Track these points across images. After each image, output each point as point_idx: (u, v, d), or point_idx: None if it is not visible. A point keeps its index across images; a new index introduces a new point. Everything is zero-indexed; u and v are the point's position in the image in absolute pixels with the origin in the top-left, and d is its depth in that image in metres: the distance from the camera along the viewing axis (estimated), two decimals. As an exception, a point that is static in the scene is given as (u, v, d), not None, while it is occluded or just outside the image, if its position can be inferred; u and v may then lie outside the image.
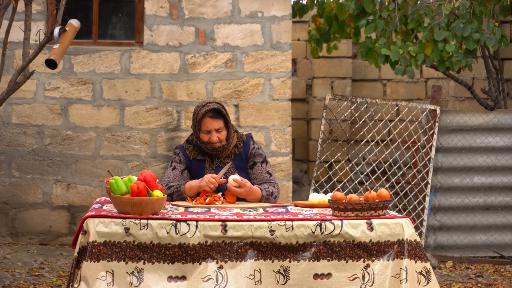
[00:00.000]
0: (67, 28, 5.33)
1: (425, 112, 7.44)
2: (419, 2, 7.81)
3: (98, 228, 3.69)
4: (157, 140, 7.49)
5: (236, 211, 4.06)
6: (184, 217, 3.80)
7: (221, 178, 4.46)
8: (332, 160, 7.69)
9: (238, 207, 4.21)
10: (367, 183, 7.24)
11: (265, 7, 7.53)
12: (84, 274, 3.63)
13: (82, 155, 7.44)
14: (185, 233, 3.72)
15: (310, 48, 9.26)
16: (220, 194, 4.43)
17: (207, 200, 4.34)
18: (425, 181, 7.33)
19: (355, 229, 3.82)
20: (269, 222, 3.79)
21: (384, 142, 8.29)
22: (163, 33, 7.48)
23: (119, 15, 7.69)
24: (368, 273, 3.80)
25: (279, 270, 3.76)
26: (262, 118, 7.54)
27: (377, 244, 3.82)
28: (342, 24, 8.62)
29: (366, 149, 7.57)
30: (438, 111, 7.32)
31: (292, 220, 3.81)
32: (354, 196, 3.91)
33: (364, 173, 7.43)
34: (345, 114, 7.46)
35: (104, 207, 4.03)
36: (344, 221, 3.83)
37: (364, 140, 7.39)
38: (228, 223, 3.77)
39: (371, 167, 7.59)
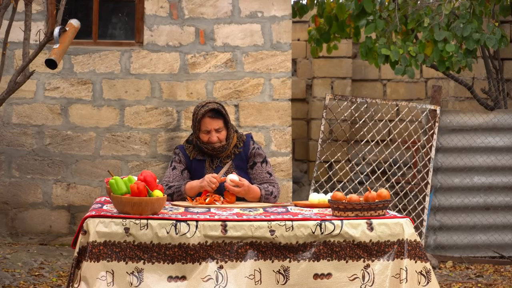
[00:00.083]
0: (67, 28, 5.33)
1: (425, 112, 7.44)
2: (419, 2, 7.81)
3: (98, 228, 3.69)
4: (157, 140, 7.49)
5: (236, 211, 4.06)
6: (184, 217, 3.80)
7: (221, 177, 4.46)
8: (332, 160, 7.69)
9: (238, 207, 4.21)
10: (367, 183, 7.24)
11: (265, 7, 7.53)
12: (84, 274, 3.63)
13: (82, 155, 7.45)
14: (185, 233, 3.72)
15: (310, 48, 9.26)
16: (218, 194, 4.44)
17: (207, 200, 4.34)
18: (425, 181, 7.33)
19: (355, 229, 3.82)
20: (269, 222, 3.79)
21: (384, 142, 8.29)
22: (163, 33, 7.48)
23: (119, 15, 7.69)
24: (368, 273, 3.80)
25: (279, 270, 3.76)
26: (262, 118, 7.54)
27: (377, 244, 3.82)
28: (342, 24, 8.61)
29: (366, 149, 7.57)
30: (438, 111, 7.32)
31: (292, 220, 3.81)
32: (354, 196, 3.91)
33: (364, 173, 7.43)
34: (345, 114, 7.46)
35: (104, 207, 4.03)
36: (344, 221, 3.83)
37: (364, 140, 7.39)
38: (228, 223, 3.77)
39: (371, 167, 7.59)
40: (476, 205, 7.66)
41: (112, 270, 3.67)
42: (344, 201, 3.91)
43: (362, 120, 7.45)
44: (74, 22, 5.41)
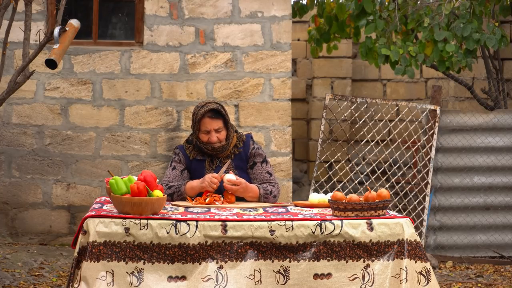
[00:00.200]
0: (67, 28, 5.33)
1: (425, 112, 7.44)
2: (419, 2, 7.81)
3: (98, 228, 3.69)
4: (157, 140, 7.49)
5: (236, 211, 4.06)
6: (184, 217, 3.80)
7: (221, 175, 4.47)
8: (332, 160, 7.69)
9: (238, 207, 4.21)
10: (367, 183, 7.24)
11: (265, 7, 7.53)
12: (84, 274, 3.63)
13: (82, 155, 7.44)
14: (185, 233, 3.72)
15: (310, 48, 9.26)
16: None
17: (207, 200, 4.34)
18: (425, 181, 7.33)
19: (355, 229, 3.82)
20: (269, 222, 3.78)
21: (384, 142, 8.29)
22: (163, 33, 7.48)
23: (119, 15, 7.69)
24: (368, 273, 3.80)
25: (279, 270, 3.76)
26: (262, 118, 7.54)
27: (377, 244, 3.82)
28: (342, 24, 8.61)
29: (366, 149, 7.57)
30: (438, 111, 7.32)
31: (292, 220, 3.81)
32: (354, 196, 3.91)
33: (364, 173, 7.43)
34: (345, 114, 7.46)
35: (104, 207, 4.03)
36: (344, 221, 3.83)
37: (364, 140, 7.39)
38: (228, 223, 3.77)
39: (371, 167, 7.59)
40: (476, 205, 7.66)
41: (112, 270, 3.67)
42: (344, 201, 3.91)
43: (362, 120, 7.45)
44: (74, 22, 5.41)
